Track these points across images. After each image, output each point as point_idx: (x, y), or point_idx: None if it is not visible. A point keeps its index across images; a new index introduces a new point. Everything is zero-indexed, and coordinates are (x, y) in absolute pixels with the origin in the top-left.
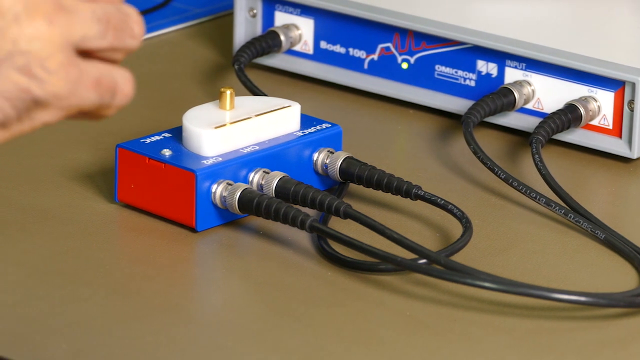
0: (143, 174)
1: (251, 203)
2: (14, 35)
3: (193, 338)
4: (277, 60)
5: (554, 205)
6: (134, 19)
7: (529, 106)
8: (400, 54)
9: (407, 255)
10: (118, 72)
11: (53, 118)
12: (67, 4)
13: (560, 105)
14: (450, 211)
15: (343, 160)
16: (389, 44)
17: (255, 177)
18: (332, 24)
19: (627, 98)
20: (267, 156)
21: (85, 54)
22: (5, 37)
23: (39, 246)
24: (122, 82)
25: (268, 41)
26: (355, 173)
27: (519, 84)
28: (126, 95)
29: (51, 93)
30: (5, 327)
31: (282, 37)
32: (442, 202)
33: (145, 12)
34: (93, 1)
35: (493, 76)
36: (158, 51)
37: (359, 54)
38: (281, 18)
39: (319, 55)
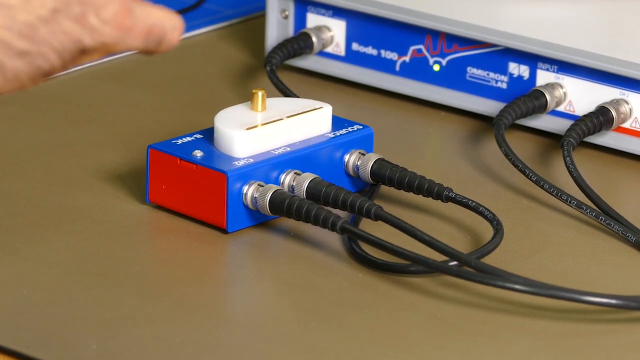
0: (174, 175)
1: (282, 204)
2: None
3: (223, 339)
4: (309, 62)
5: (585, 208)
6: None
7: (560, 109)
8: (432, 56)
9: (438, 257)
10: (170, 20)
11: (94, 60)
12: None
13: (592, 107)
14: (481, 213)
15: (374, 162)
16: (420, 46)
17: (287, 178)
18: (364, 26)
19: None
20: (299, 158)
21: None
22: None
23: (70, 247)
24: (170, 31)
25: (300, 43)
26: (387, 175)
27: (551, 86)
28: (172, 44)
29: (100, 42)
30: (37, 327)
31: (314, 39)
32: (473, 204)
33: (178, 13)
34: None
35: (525, 78)
36: (190, 52)
37: (391, 55)
38: (313, 20)
39: (351, 57)
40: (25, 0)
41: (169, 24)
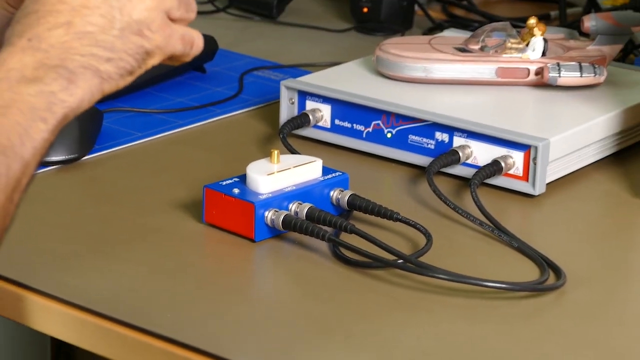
0: (221, 204)
1: (290, 223)
2: (129, 10)
3: (250, 311)
4: (308, 132)
5: (485, 225)
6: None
7: (469, 161)
8: (386, 128)
9: (391, 257)
10: (194, 32)
11: (157, 62)
12: None
13: (489, 160)
14: (418, 229)
15: (349, 196)
16: (379, 121)
17: (293, 206)
18: (343, 108)
19: (532, 156)
20: (301, 193)
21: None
22: (123, 13)
23: (152, 251)
24: (197, 39)
25: (302, 119)
26: (357, 204)
27: (463, 147)
28: (199, 47)
29: (155, 46)
30: (131, 303)
31: (311, 117)
32: (413, 222)
33: (223, 101)
34: None
35: (445, 142)
36: (231, 126)
37: (360, 127)
38: (310, 104)
39: (334, 128)
40: (101, 27)
41: (195, 34)
